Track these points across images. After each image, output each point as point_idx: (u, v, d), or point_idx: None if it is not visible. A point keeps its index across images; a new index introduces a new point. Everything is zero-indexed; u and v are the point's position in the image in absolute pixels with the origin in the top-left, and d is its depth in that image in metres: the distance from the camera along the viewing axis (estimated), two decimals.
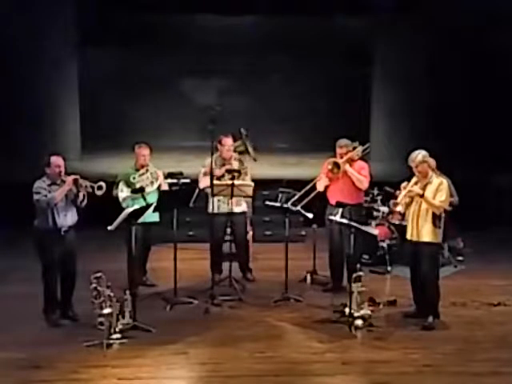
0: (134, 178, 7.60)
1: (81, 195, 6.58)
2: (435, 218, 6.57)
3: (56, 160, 6.53)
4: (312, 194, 7.61)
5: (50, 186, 6.50)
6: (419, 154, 6.74)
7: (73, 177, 6.53)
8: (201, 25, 15.27)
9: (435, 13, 12.17)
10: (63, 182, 6.52)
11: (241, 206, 7.96)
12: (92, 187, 6.54)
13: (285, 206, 7.52)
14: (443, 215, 6.65)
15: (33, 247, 6.59)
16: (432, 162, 6.87)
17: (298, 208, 7.49)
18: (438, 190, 6.56)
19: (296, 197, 7.65)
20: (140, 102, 15.44)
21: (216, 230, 7.85)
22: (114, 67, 15.59)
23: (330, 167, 7.49)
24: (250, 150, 8.48)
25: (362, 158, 7.75)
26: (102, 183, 6.55)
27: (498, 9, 11.42)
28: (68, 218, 6.58)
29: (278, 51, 15.28)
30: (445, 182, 6.66)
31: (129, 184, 7.57)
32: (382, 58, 13.93)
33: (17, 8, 11.54)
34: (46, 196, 6.41)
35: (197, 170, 8.17)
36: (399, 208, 6.87)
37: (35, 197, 6.43)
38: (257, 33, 15.37)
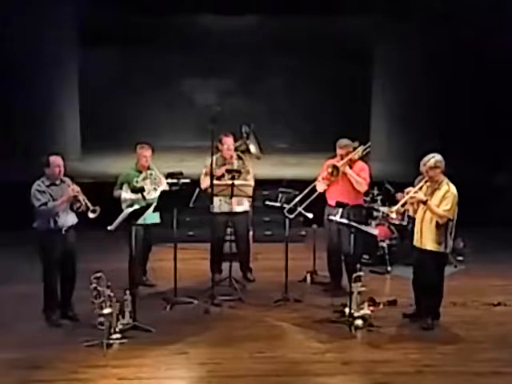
0: (136, 182, 7.61)
1: (78, 204, 6.58)
2: (439, 227, 6.42)
3: (55, 160, 6.52)
4: (313, 196, 7.60)
5: (48, 186, 6.49)
6: (432, 159, 6.45)
7: (75, 190, 6.49)
8: (201, 25, 15.27)
9: (435, 12, 12.17)
10: (62, 182, 6.53)
11: (243, 205, 7.94)
12: (87, 207, 6.50)
13: (285, 207, 7.50)
14: (450, 224, 6.47)
15: (33, 248, 6.57)
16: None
17: (299, 209, 7.49)
18: (444, 198, 6.38)
19: (296, 199, 7.60)
20: (140, 101, 15.45)
21: (217, 229, 7.86)
22: (114, 67, 15.61)
23: (329, 170, 7.46)
24: (253, 148, 8.45)
25: (362, 159, 7.74)
26: (97, 208, 6.49)
27: (499, 9, 11.42)
28: (68, 219, 6.58)
29: (278, 51, 15.29)
30: (452, 190, 6.42)
31: (131, 188, 7.57)
32: (382, 58, 13.93)
33: (17, 8, 11.53)
34: (46, 204, 6.40)
35: (197, 170, 8.17)
36: (393, 215, 6.75)
37: (35, 203, 6.40)
38: (257, 33, 15.36)
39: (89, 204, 6.51)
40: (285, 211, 7.45)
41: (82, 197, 6.53)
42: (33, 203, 6.42)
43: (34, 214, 6.50)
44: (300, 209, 7.48)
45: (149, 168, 7.76)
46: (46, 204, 6.40)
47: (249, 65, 15.66)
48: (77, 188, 6.53)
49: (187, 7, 13.89)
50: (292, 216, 7.47)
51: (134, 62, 15.55)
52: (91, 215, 6.48)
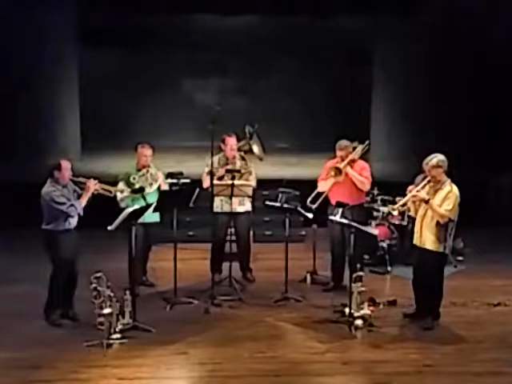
0: (134, 179, 7.61)
1: (106, 193, 6.81)
2: (439, 227, 6.41)
3: (67, 164, 6.56)
4: (323, 196, 7.59)
5: (61, 189, 6.50)
6: (434, 158, 6.44)
7: (93, 183, 6.62)
8: (201, 25, 15.26)
9: (436, 13, 12.17)
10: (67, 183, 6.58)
11: (244, 206, 7.94)
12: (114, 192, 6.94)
13: (299, 208, 7.51)
14: (451, 225, 6.47)
15: (45, 249, 6.52)
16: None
17: (299, 209, 7.49)
18: (446, 198, 6.37)
19: (312, 195, 7.60)
20: (140, 102, 15.44)
21: (219, 229, 7.86)
22: (114, 67, 15.58)
23: (332, 173, 7.45)
24: (256, 149, 8.43)
25: (362, 157, 7.74)
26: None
27: (499, 8, 11.42)
28: (76, 218, 6.61)
29: (278, 51, 15.28)
30: (455, 190, 6.41)
31: (129, 184, 7.57)
32: (382, 58, 13.92)
33: (17, 8, 11.54)
34: (72, 205, 6.43)
35: (197, 170, 8.16)
36: (395, 212, 6.75)
37: (61, 207, 6.39)
38: (257, 33, 15.35)
39: (111, 188, 6.83)
40: (308, 202, 7.54)
41: (102, 185, 6.74)
42: (56, 207, 6.39)
43: (50, 216, 6.45)
44: (301, 209, 7.48)
45: (149, 167, 7.75)
46: (72, 205, 6.44)
47: (249, 65, 15.64)
48: (94, 181, 6.63)
49: (186, 7, 13.89)
50: (315, 205, 7.52)
51: (134, 62, 15.52)
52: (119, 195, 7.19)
